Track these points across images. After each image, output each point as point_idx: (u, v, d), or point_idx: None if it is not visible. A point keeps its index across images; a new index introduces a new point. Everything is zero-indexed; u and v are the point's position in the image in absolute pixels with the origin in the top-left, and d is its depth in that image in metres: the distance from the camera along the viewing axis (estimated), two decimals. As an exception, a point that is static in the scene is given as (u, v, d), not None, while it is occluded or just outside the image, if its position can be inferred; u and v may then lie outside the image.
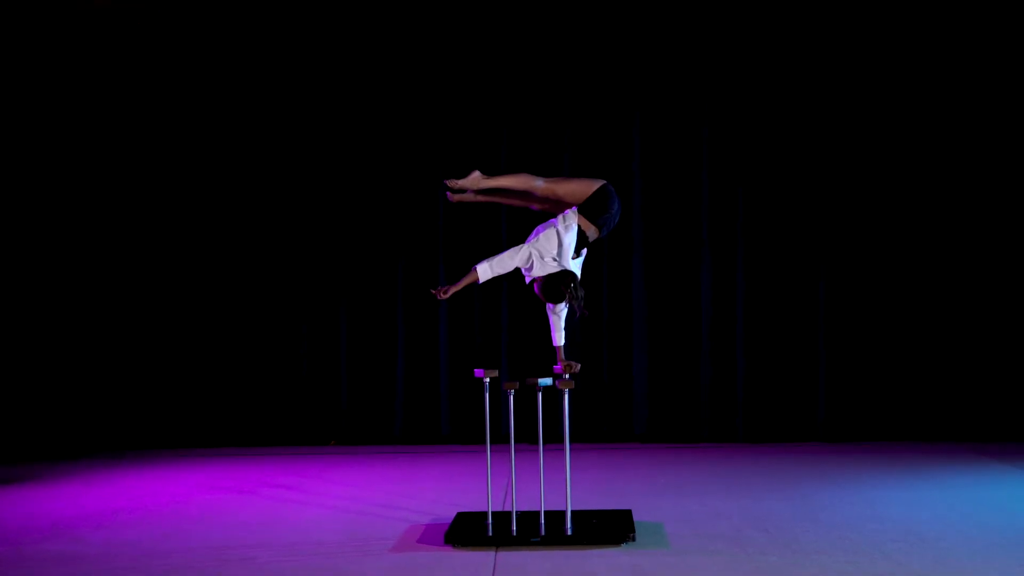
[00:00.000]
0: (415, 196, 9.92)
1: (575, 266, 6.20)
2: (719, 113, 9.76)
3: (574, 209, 6.17)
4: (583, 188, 6.21)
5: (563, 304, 6.28)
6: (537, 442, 6.28)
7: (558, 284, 6.09)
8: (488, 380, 6.20)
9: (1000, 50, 9.57)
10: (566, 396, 6.19)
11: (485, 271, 6.07)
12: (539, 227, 6.18)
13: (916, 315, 9.67)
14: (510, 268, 6.11)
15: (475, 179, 6.27)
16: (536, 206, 6.41)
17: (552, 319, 6.36)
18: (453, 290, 6.11)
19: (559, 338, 6.37)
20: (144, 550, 6.10)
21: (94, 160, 9.94)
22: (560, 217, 6.16)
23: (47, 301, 9.94)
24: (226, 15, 9.86)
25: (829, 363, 9.70)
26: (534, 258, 6.10)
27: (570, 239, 6.11)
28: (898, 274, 9.68)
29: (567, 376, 6.28)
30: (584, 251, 6.25)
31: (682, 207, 9.81)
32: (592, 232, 6.20)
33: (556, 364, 6.38)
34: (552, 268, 6.11)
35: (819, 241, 9.71)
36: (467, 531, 6.12)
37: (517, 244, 6.16)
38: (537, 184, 6.25)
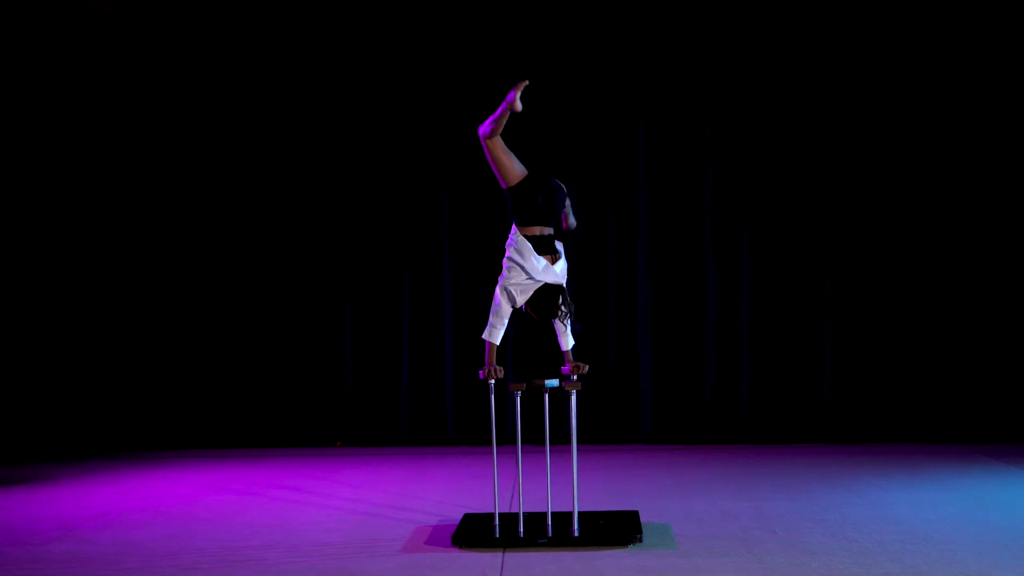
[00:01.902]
0: (421, 197, 9.93)
1: (559, 270, 6.18)
2: (723, 112, 9.77)
3: (514, 231, 6.15)
4: (511, 174, 6.12)
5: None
6: (543, 443, 6.29)
7: (546, 302, 6.11)
8: (494, 382, 6.21)
9: (1002, 49, 9.56)
10: (573, 397, 6.20)
11: (494, 334, 6.13)
12: (504, 261, 6.18)
13: (921, 316, 9.67)
14: (508, 315, 6.15)
15: (515, 100, 6.01)
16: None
17: (556, 325, 6.36)
18: (492, 366, 6.12)
19: (565, 343, 6.36)
20: (153, 551, 6.11)
21: (95, 160, 9.95)
22: (508, 250, 6.14)
23: (54, 302, 9.96)
24: (231, 9, 9.87)
25: (834, 364, 9.70)
26: (514, 293, 6.12)
27: (527, 256, 6.09)
28: (903, 275, 9.68)
29: (574, 378, 6.29)
30: (560, 249, 6.22)
31: (686, 207, 9.81)
32: (538, 230, 6.16)
33: (564, 365, 6.38)
34: (534, 286, 6.13)
35: (823, 242, 9.71)
36: (474, 532, 6.13)
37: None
38: (497, 143, 6.07)
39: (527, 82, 6.04)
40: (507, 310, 6.15)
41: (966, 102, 9.62)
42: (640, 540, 5.97)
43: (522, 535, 6.06)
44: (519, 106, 6.00)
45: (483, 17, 9.80)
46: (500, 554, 5.86)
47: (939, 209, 9.65)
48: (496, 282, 6.20)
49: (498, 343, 6.16)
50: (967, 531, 6.18)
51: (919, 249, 9.66)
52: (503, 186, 6.18)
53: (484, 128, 6.08)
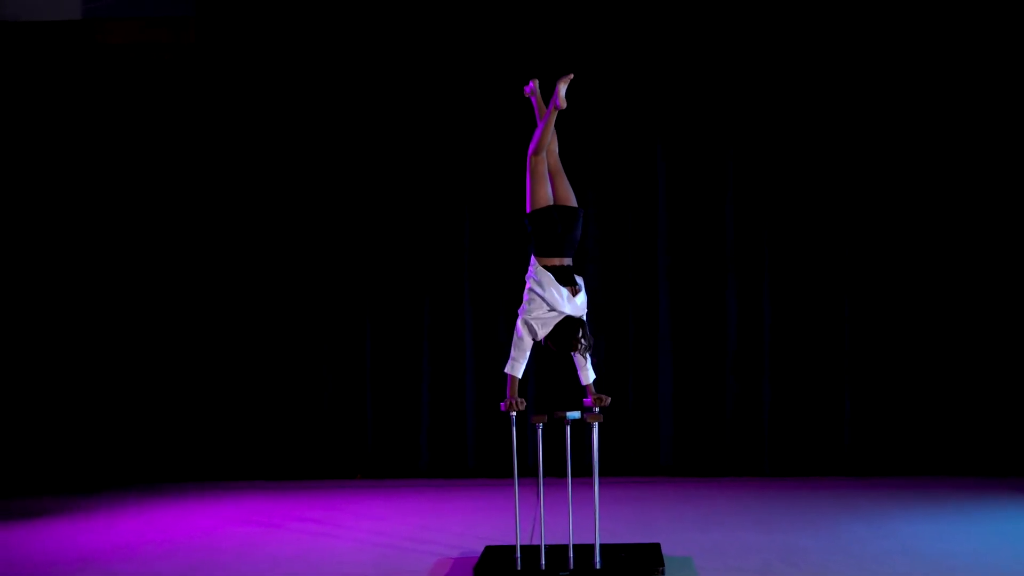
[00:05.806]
0: (441, 228, 9.96)
1: (580, 303, 6.19)
2: (743, 141, 9.77)
3: (533, 263, 6.20)
4: (541, 197, 6.24)
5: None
6: (564, 475, 6.27)
7: (566, 335, 6.11)
8: (515, 414, 6.20)
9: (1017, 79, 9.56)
10: (595, 430, 6.19)
11: (516, 367, 6.16)
12: (524, 294, 6.22)
13: (944, 348, 9.60)
14: (529, 348, 6.18)
15: (561, 96, 6.19)
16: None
17: (576, 359, 6.34)
18: (514, 398, 6.16)
19: (585, 377, 6.34)
20: (174, 583, 6.12)
21: (116, 180, 9.99)
22: (529, 282, 6.19)
23: (76, 334, 9.99)
24: (250, 41, 9.95)
25: (855, 396, 9.65)
26: (535, 326, 6.13)
27: (548, 288, 6.11)
28: (925, 306, 9.63)
29: (596, 410, 6.27)
30: (580, 282, 6.24)
31: (707, 238, 9.81)
32: (557, 261, 6.19)
33: (586, 398, 6.36)
34: (555, 318, 6.13)
35: (844, 273, 9.68)
36: (496, 565, 6.11)
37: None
38: (546, 158, 6.28)
39: (572, 75, 6.18)
40: (528, 343, 6.16)
41: (992, 131, 9.57)
42: (662, 573, 5.94)
43: (544, 568, 6.04)
44: (564, 103, 6.16)
45: (504, 46, 9.84)
46: (522, 587, 5.84)
47: (957, 241, 9.61)
48: (517, 313, 6.21)
49: (520, 376, 6.17)
50: (992, 565, 6.13)
51: (940, 279, 9.62)
52: (527, 210, 6.25)
53: (531, 144, 6.25)
